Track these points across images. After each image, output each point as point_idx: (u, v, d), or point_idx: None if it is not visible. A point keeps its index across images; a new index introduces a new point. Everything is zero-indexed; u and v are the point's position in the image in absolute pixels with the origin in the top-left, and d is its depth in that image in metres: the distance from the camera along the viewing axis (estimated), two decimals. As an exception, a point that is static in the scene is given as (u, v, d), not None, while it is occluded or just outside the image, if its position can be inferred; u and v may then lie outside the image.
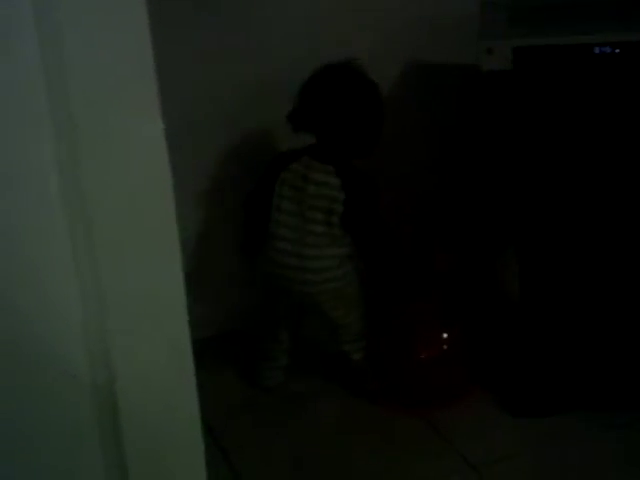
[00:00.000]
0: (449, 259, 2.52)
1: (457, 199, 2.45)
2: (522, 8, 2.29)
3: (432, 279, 2.50)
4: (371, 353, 2.36)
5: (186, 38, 2.36)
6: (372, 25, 2.50)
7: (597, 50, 2.01)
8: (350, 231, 2.26)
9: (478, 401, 2.30)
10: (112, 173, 0.99)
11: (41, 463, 1.05)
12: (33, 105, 0.94)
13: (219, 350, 2.52)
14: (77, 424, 1.05)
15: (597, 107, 2.06)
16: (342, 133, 2.24)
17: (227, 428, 2.24)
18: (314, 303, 2.30)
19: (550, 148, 2.09)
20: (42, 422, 1.04)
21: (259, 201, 2.33)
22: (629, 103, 2.05)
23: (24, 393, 1.02)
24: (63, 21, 0.92)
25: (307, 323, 2.45)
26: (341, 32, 2.48)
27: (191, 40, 2.37)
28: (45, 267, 0.99)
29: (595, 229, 2.14)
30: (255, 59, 2.45)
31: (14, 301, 0.98)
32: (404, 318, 2.38)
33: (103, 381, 1.05)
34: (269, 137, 2.51)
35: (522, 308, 2.19)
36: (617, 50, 2.01)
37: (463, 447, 2.17)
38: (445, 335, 2.36)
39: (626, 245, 2.14)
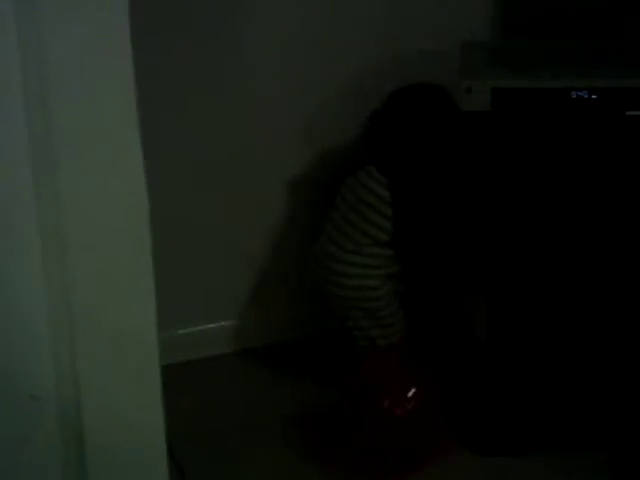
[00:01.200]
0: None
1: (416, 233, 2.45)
2: (502, 50, 2.31)
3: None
4: (337, 410, 2.25)
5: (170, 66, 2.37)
6: (357, 53, 2.52)
7: (574, 94, 2.03)
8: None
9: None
10: (90, 197, 1.00)
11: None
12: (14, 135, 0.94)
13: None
14: (40, 446, 1.05)
15: (573, 151, 2.07)
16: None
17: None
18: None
19: (525, 191, 2.10)
20: (4, 444, 1.03)
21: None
22: (605, 148, 2.07)
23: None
24: (47, 47, 0.93)
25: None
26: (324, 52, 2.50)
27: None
28: (17, 290, 0.99)
29: (565, 276, 2.15)
30: (246, 74, 2.46)
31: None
32: (372, 370, 2.25)
33: (69, 404, 1.04)
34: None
35: (489, 350, 2.20)
36: (594, 95, 2.03)
37: (428, 484, 2.17)
38: (415, 390, 2.18)
39: (592, 294, 2.15)
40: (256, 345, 2.63)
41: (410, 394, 2.18)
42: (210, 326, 2.62)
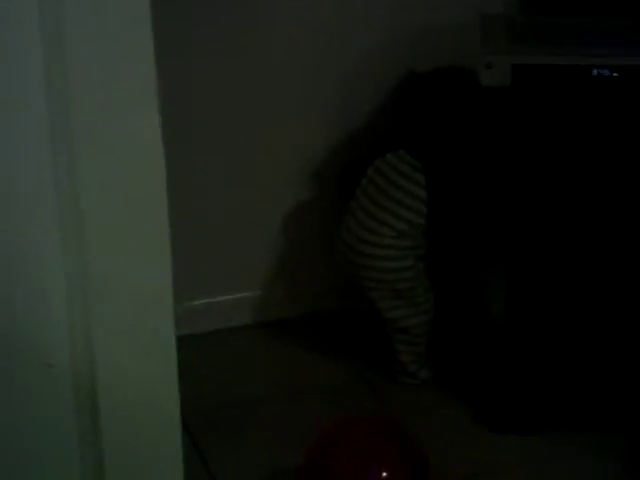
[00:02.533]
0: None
1: (448, 213, 2.44)
2: (522, 25, 2.29)
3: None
4: None
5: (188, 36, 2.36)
6: (372, 31, 2.50)
7: (595, 72, 2.02)
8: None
9: (459, 416, 2.29)
10: (107, 169, 0.99)
11: (17, 452, 1.04)
12: (33, 104, 0.93)
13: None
14: (56, 415, 1.05)
15: (593, 129, 2.06)
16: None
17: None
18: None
19: (545, 166, 2.09)
20: (20, 413, 1.03)
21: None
22: (625, 126, 2.05)
23: (1, 381, 1.01)
24: (66, 18, 0.92)
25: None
26: (341, 35, 2.49)
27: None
28: (33, 256, 0.99)
29: (587, 250, 2.14)
30: (257, 58, 2.46)
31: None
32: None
33: (84, 373, 1.04)
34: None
35: (507, 327, 2.19)
36: (615, 73, 2.01)
37: (441, 461, 2.16)
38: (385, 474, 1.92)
39: (615, 268, 2.14)
40: (278, 317, 2.63)
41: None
42: (231, 297, 2.62)
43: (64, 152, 0.97)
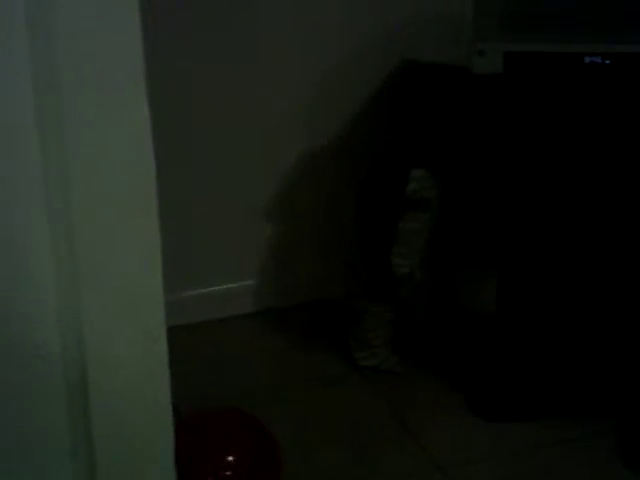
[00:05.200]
0: None
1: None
2: (514, 13, 2.29)
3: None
4: None
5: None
6: (365, 23, 2.50)
7: (587, 60, 2.01)
8: None
9: (451, 404, 2.30)
10: (96, 160, 0.99)
11: (7, 442, 1.04)
12: (22, 95, 0.93)
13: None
14: (47, 405, 1.05)
15: (585, 117, 2.06)
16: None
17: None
18: None
19: (537, 155, 2.09)
20: (11, 403, 1.03)
21: None
22: (616, 114, 2.05)
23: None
24: (54, 9, 0.92)
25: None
26: (333, 29, 2.49)
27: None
28: (22, 243, 0.99)
29: (575, 238, 2.14)
30: (255, 58, 2.46)
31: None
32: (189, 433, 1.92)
33: (74, 364, 1.04)
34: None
35: (500, 316, 2.19)
36: (607, 61, 2.01)
37: (433, 449, 2.17)
38: (232, 457, 1.93)
39: (605, 256, 2.15)
40: (271, 306, 2.63)
41: (227, 460, 1.93)
42: (223, 287, 2.62)
43: (53, 143, 0.96)
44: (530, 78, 2.03)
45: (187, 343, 2.41)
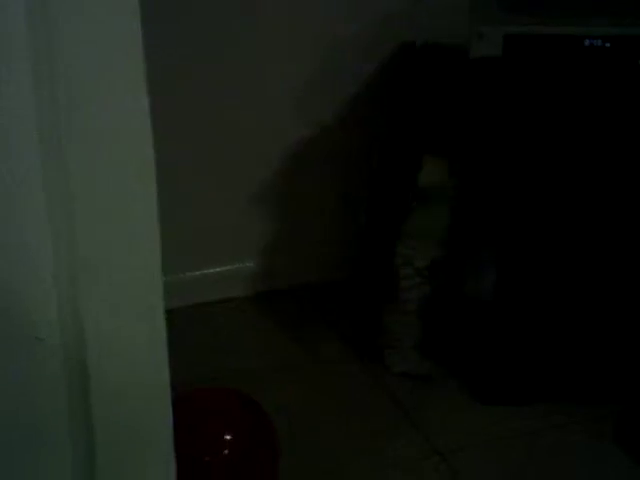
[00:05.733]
0: None
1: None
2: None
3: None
4: None
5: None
6: (366, 5, 2.49)
7: (587, 42, 2.01)
8: None
9: (448, 388, 2.30)
10: (95, 139, 0.98)
11: (5, 428, 1.04)
12: (20, 89, 0.93)
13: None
14: (46, 390, 1.04)
15: (585, 100, 2.05)
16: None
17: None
18: None
19: (536, 138, 2.08)
20: (9, 388, 1.03)
21: None
22: (617, 97, 2.05)
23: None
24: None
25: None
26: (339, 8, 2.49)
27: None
28: (17, 223, 0.98)
29: (573, 229, 2.13)
30: (255, 53, 2.46)
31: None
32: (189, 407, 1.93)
33: (74, 347, 1.04)
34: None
35: (498, 300, 2.19)
36: (607, 44, 2.00)
37: (430, 432, 2.17)
38: (229, 436, 1.91)
39: (604, 244, 2.14)
40: (268, 289, 2.63)
41: (224, 439, 1.91)
42: (221, 269, 2.62)
43: (54, 136, 0.96)
44: (530, 61, 2.03)
45: (181, 326, 2.41)
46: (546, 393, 2.24)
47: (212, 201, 2.55)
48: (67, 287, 1.02)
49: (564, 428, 2.19)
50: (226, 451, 1.91)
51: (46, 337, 1.02)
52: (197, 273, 2.59)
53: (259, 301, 2.62)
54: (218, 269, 2.61)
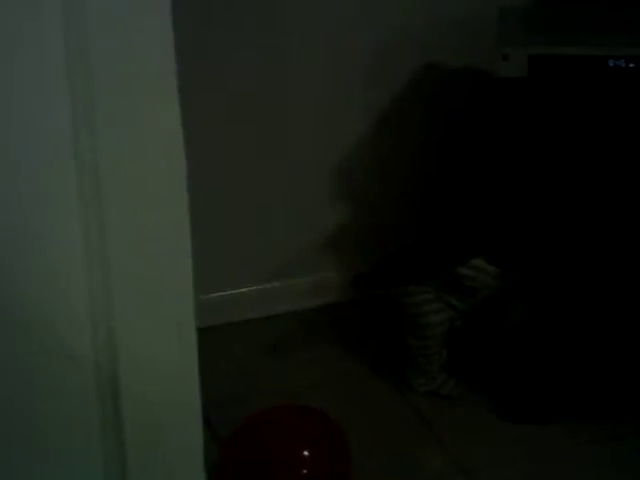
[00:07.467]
0: None
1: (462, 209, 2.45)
2: (538, 16, 2.29)
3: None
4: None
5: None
6: (385, 24, 2.51)
7: (611, 63, 2.01)
8: None
9: (474, 407, 2.30)
10: (127, 158, 0.99)
11: (39, 444, 1.05)
12: (56, 92, 0.94)
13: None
14: (78, 408, 1.05)
15: (609, 120, 2.06)
16: None
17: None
18: None
19: (561, 158, 2.09)
20: (43, 405, 1.04)
21: None
22: (640, 117, 2.05)
23: (25, 374, 1.02)
24: (87, 5, 0.93)
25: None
26: (357, 28, 2.49)
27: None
28: (54, 249, 0.99)
29: (599, 249, 2.13)
30: (273, 59, 2.47)
31: (16, 278, 0.98)
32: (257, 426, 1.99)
33: (106, 365, 1.05)
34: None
35: (522, 324, 2.19)
36: (631, 64, 2.01)
37: (456, 450, 2.17)
38: (307, 453, 1.95)
39: (627, 264, 2.14)
40: (297, 308, 2.64)
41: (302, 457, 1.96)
42: (251, 289, 2.63)
43: (87, 148, 0.97)
44: (554, 82, 2.03)
45: (212, 345, 2.42)
46: (572, 411, 2.24)
47: (238, 223, 2.56)
48: (99, 303, 1.03)
49: (590, 446, 2.18)
50: (305, 470, 1.94)
51: (78, 355, 1.03)
52: (225, 293, 2.60)
53: (287, 321, 2.63)
54: (246, 289, 2.62)
